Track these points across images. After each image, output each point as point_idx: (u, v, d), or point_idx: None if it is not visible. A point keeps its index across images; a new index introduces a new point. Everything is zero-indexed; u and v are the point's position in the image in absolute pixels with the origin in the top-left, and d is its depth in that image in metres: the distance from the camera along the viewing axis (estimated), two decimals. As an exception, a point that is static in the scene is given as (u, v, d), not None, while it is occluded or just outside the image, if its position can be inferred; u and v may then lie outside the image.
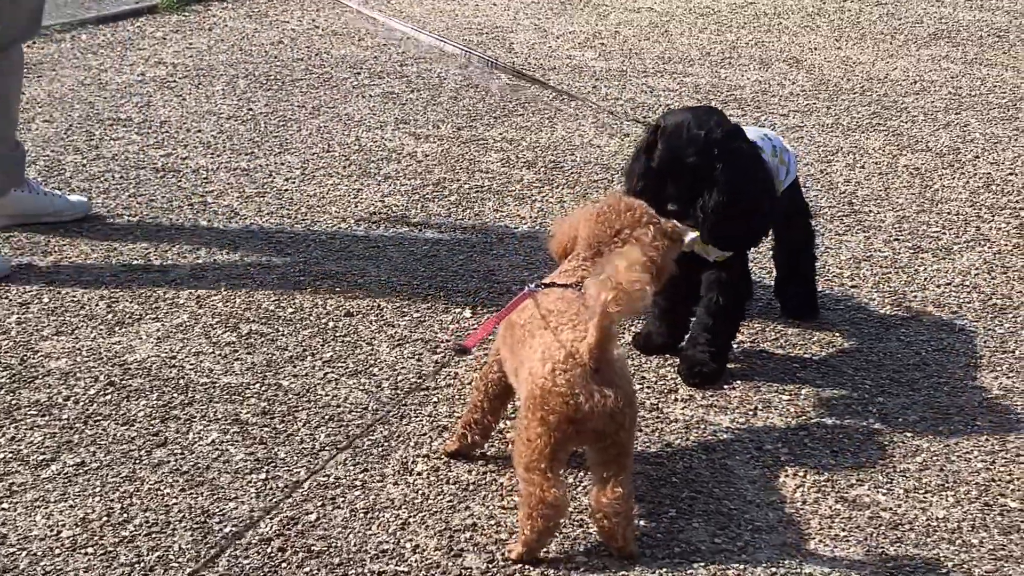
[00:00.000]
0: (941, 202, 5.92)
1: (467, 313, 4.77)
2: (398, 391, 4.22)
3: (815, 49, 8.67)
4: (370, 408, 4.11)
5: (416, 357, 4.44)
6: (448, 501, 3.64)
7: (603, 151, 6.52)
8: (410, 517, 3.57)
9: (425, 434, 3.97)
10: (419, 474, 3.77)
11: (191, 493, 3.65)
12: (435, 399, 4.18)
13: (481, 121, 6.97)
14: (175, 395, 4.17)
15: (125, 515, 3.55)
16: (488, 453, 3.87)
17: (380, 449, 3.90)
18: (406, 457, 3.85)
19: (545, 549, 3.38)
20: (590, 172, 6.21)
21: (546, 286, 3.60)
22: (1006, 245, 5.45)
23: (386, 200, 5.82)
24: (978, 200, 5.95)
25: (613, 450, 3.36)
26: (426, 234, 5.47)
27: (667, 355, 4.48)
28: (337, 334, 4.59)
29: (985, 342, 4.63)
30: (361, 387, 4.24)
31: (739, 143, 4.14)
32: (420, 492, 3.68)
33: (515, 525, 3.51)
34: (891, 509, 3.65)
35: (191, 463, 3.80)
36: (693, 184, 4.07)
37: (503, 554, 3.40)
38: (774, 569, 3.37)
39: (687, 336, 4.41)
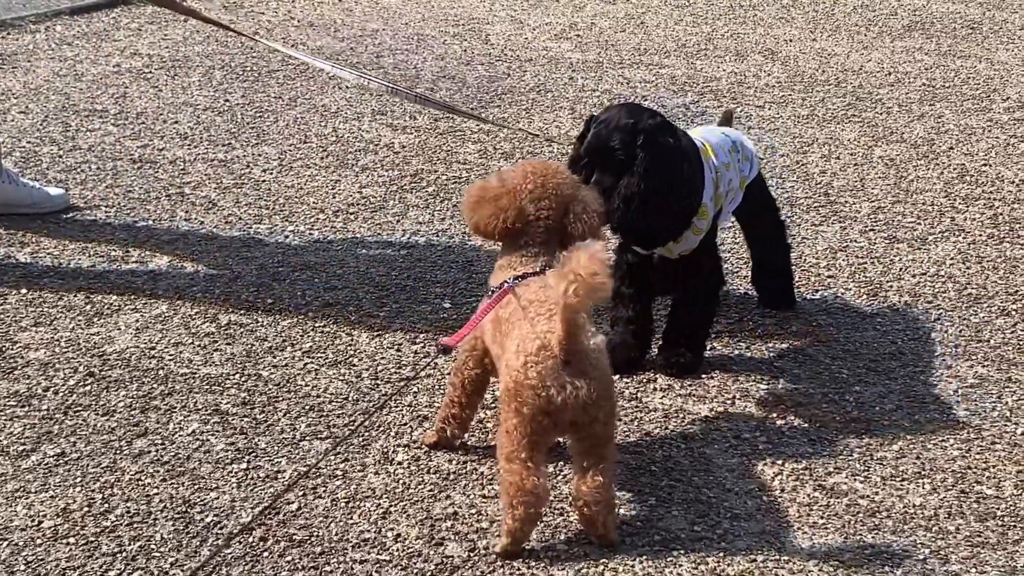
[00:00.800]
0: (916, 193, 5.96)
1: (446, 304, 4.79)
2: (378, 381, 4.23)
3: (790, 41, 8.70)
4: (350, 398, 4.13)
5: (396, 347, 4.45)
6: (429, 490, 3.65)
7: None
8: (391, 506, 3.58)
9: (406, 424, 3.99)
10: (400, 463, 3.78)
11: (172, 483, 3.66)
12: (415, 389, 4.19)
13: (458, 112, 6.98)
14: (155, 386, 4.17)
15: (106, 505, 3.55)
16: (469, 443, 3.88)
17: (361, 439, 3.91)
18: (387, 447, 3.87)
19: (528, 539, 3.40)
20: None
21: (521, 278, 3.59)
22: (980, 235, 5.49)
23: (364, 191, 5.83)
24: (952, 191, 6.00)
25: (590, 440, 3.38)
26: (404, 225, 5.48)
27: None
28: (316, 324, 4.60)
29: (960, 331, 4.67)
30: (341, 377, 4.25)
31: (666, 137, 4.09)
32: (401, 481, 3.69)
33: (496, 513, 3.53)
34: (868, 496, 3.68)
35: (172, 453, 3.80)
36: (617, 172, 4.02)
37: (485, 543, 3.41)
38: (753, 557, 3.39)
39: (664, 329, 4.43)
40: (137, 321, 4.58)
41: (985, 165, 6.34)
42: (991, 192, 5.98)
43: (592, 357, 3.34)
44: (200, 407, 4.05)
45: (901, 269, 5.15)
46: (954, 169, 6.28)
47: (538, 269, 3.60)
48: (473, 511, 3.56)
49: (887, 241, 5.42)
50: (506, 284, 3.57)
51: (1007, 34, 8.94)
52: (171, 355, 4.37)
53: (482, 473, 3.73)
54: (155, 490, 3.63)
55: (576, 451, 3.42)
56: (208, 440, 3.88)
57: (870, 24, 9.22)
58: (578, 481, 3.38)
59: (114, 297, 4.75)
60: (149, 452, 3.81)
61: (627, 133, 4.02)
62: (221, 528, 3.47)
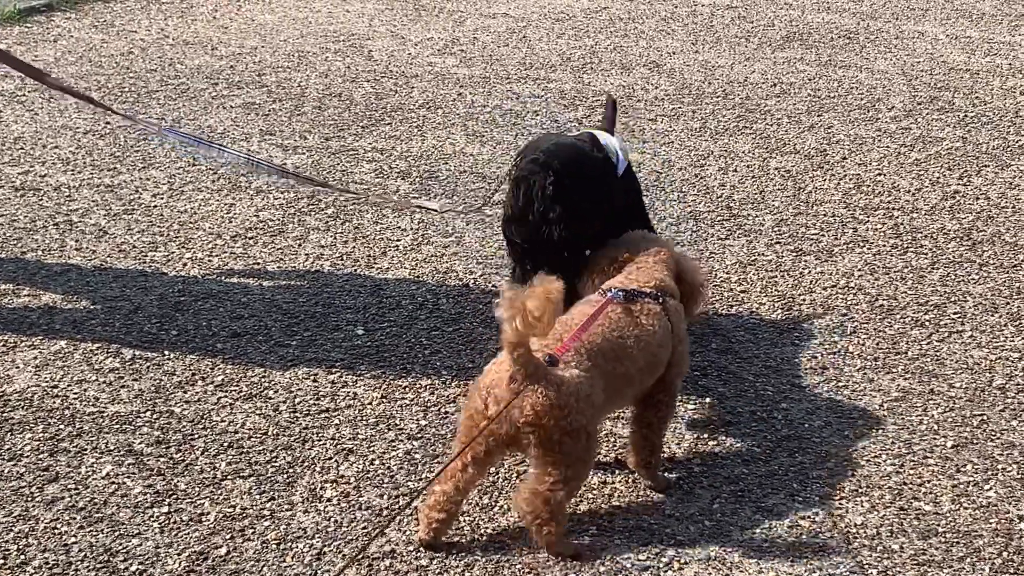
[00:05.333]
0: (816, 204, 5.97)
1: (359, 330, 4.65)
2: (297, 414, 4.08)
3: (673, 53, 8.70)
4: (270, 433, 3.97)
5: (311, 378, 4.30)
6: (363, 528, 3.52)
7: (476, 159, 6.43)
8: (325, 546, 3.44)
9: (331, 458, 3.85)
10: (329, 500, 3.65)
11: (90, 531, 3.48)
12: (336, 421, 4.05)
13: (349, 131, 6.83)
14: (62, 427, 3.97)
15: (22, 557, 3.36)
16: (397, 479, 3.76)
17: (285, 476, 3.76)
18: (313, 483, 3.72)
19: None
20: (466, 181, 6.11)
21: (627, 294, 3.63)
22: (884, 246, 5.50)
23: (261, 215, 5.65)
24: (851, 201, 6.01)
25: (532, 455, 3.36)
26: (306, 249, 5.32)
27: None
28: (226, 356, 4.44)
29: (877, 344, 4.66)
30: (258, 411, 4.10)
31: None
32: (332, 519, 3.56)
33: (435, 550, 3.42)
34: (809, 517, 3.63)
35: (87, 499, 3.62)
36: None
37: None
38: (702, 584, 3.33)
39: None
40: (36, 358, 4.37)
41: (880, 175, 6.37)
42: (889, 202, 6.01)
43: (540, 383, 3.30)
44: (112, 448, 3.87)
45: (811, 282, 5.14)
46: (850, 179, 6.30)
47: (649, 290, 3.71)
48: (411, 548, 3.44)
49: (794, 254, 5.41)
50: (610, 294, 3.60)
51: (884, 44, 9.04)
52: (76, 393, 4.17)
53: (415, 508, 3.61)
54: (73, 538, 3.45)
55: (529, 461, 3.43)
56: (124, 483, 3.70)
57: (749, 35, 9.25)
58: (519, 487, 3.44)
59: (8, 334, 4.53)
60: (63, 498, 3.62)
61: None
62: (148, 577, 3.31)
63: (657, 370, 3.65)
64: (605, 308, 3.50)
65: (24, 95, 7.23)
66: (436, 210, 5.22)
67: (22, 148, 6.39)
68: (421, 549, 3.43)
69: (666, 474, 3.81)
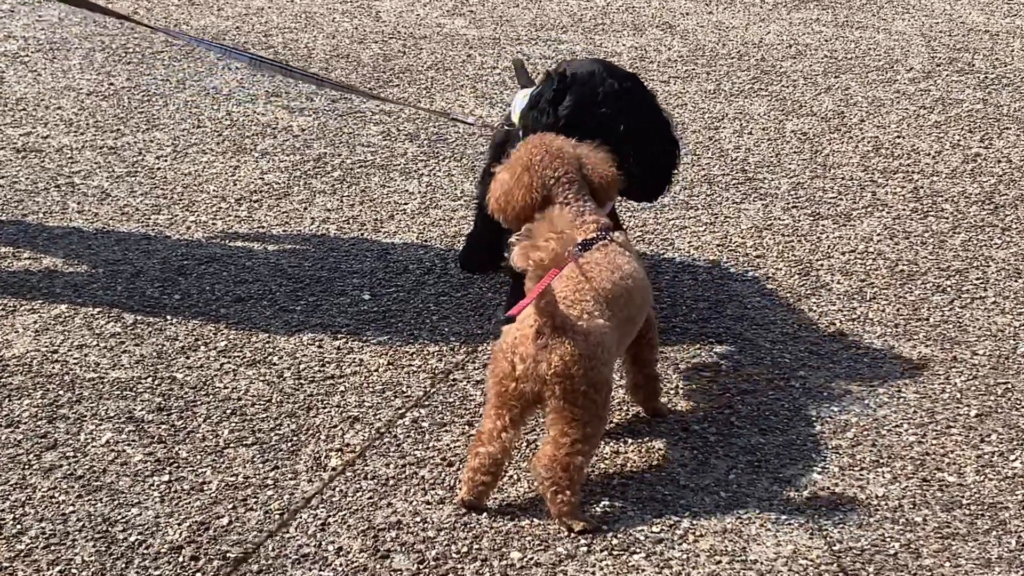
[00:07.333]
0: (833, 167, 5.84)
1: (366, 295, 4.54)
2: (301, 381, 3.98)
3: (686, 14, 8.55)
4: (274, 400, 3.87)
5: (316, 344, 4.20)
6: (368, 498, 3.42)
7: (486, 121, 6.30)
8: (329, 517, 3.34)
9: (335, 426, 3.75)
10: (334, 469, 3.54)
11: (89, 499, 3.38)
12: (342, 388, 3.95)
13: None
14: (61, 392, 3.87)
15: (19, 526, 3.27)
16: (403, 447, 3.66)
17: (289, 444, 3.66)
18: (318, 451, 3.62)
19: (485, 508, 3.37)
20: (476, 144, 5.99)
21: (583, 247, 3.53)
22: (904, 210, 5.37)
23: (266, 177, 5.54)
24: (870, 164, 5.88)
25: (554, 413, 3.29)
26: (312, 212, 5.21)
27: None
28: (229, 321, 4.33)
29: (898, 310, 4.54)
30: (262, 377, 3.99)
31: (651, 95, 4.27)
32: (337, 489, 3.46)
33: (442, 521, 3.33)
34: (828, 488, 3.53)
35: (86, 466, 3.52)
36: (609, 135, 3.94)
37: (434, 554, 3.20)
38: (718, 559, 3.22)
39: None
40: (35, 323, 4.27)
41: (899, 137, 6.23)
42: (908, 165, 5.88)
43: (570, 336, 3.26)
44: (112, 414, 3.77)
45: (829, 247, 5.01)
46: (868, 142, 6.17)
47: (596, 234, 3.60)
48: (418, 519, 3.34)
49: (811, 218, 5.28)
50: (569, 253, 3.45)
51: (901, 4, 8.88)
52: (76, 358, 4.07)
53: (423, 477, 3.51)
54: (71, 508, 3.35)
55: (547, 421, 3.35)
56: (124, 451, 3.60)
57: (764, -4, 9.09)
58: (537, 453, 3.35)
59: (8, 297, 4.43)
60: (61, 466, 3.52)
61: (617, 96, 4.07)
62: (147, 547, 3.21)
63: (648, 304, 3.65)
64: (564, 266, 3.39)
65: (27, 55, 7.11)
66: (471, 123, 5.14)
67: (24, 109, 6.27)
68: (428, 520, 3.32)
69: (680, 444, 3.71)
